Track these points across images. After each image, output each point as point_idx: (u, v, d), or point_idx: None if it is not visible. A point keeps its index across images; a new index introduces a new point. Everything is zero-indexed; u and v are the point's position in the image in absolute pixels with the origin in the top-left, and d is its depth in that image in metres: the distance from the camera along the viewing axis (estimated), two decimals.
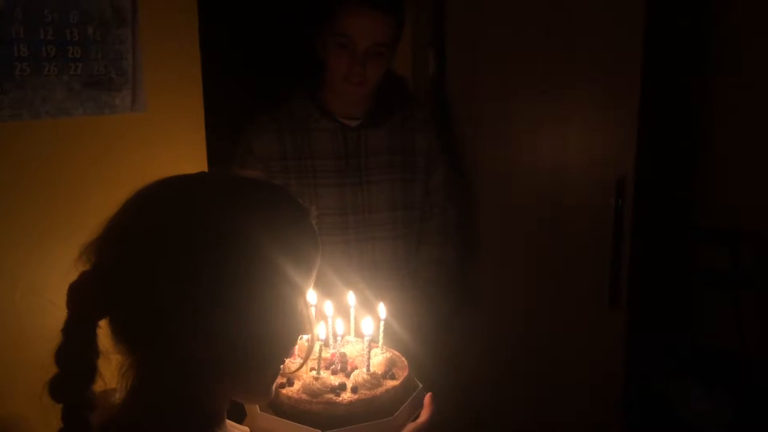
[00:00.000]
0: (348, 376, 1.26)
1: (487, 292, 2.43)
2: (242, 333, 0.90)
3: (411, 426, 1.20)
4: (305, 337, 1.27)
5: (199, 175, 0.97)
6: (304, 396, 1.19)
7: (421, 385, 1.30)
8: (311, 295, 1.33)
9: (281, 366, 1.01)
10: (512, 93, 2.24)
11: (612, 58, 1.98)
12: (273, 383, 1.02)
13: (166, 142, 1.60)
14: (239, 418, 1.20)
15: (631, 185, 2.00)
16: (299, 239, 0.96)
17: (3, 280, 1.39)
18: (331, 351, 1.32)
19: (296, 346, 1.29)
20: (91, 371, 0.88)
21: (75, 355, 0.87)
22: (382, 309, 1.33)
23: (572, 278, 2.19)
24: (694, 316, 2.56)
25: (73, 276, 0.89)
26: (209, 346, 0.90)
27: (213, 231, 0.88)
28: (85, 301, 0.87)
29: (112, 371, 0.94)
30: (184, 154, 1.62)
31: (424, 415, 1.22)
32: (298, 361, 1.28)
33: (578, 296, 2.18)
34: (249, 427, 1.18)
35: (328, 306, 1.35)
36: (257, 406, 1.21)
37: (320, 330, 1.30)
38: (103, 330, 0.91)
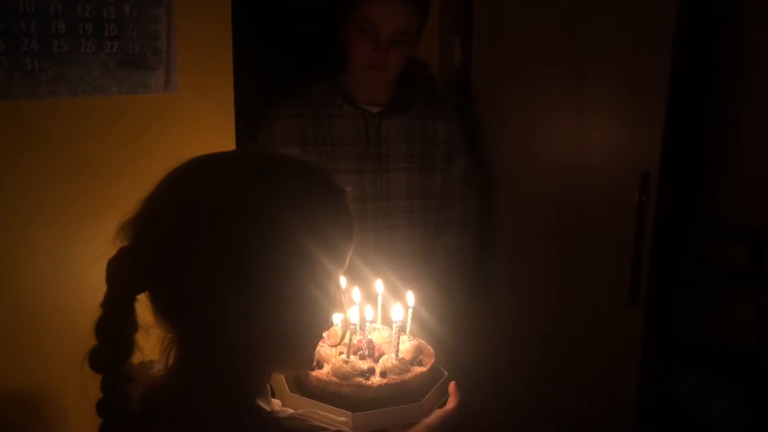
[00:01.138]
0: (376, 361, 1.28)
1: (505, 285, 2.43)
2: (278, 314, 0.91)
3: (439, 412, 1.22)
4: (338, 322, 1.29)
5: (236, 153, 0.98)
6: (334, 379, 1.21)
7: (446, 374, 1.31)
8: (342, 280, 1.35)
9: (319, 341, 1.03)
10: (537, 83, 2.23)
11: (640, 49, 1.97)
12: (313, 354, 1.03)
13: (196, 123, 1.60)
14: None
15: (656, 181, 1.99)
16: (336, 221, 0.96)
17: (38, 256, 1.40)
18: (359, 337, 1.34)
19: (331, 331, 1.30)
20: (129, 344, 0.90)
21: (114, 328, 0.89)
22: (410, 297, 1.34)
23: (591, 274, 2.19)
24: (710, 314, 2.55)
25: (108, 253, 0.90)
26: (246, 326, 0.91)
27: (249, 210, 0.89)
28: (124, 276, 0.89)
29: (152, 345, 0.96)
30: (214, 135, 1.63)
31: (451, 402, 1.24)
32: (326, 346, 1.30)
33: (597, 292, 2.18)
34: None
35: (356, 293, 1.36)
36: (286, 387, 1.23)
37: (351, 314, 1.31)
38: (145, 304, 0.93)
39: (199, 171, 0.94)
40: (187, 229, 0.89)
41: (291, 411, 1.03)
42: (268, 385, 1.03)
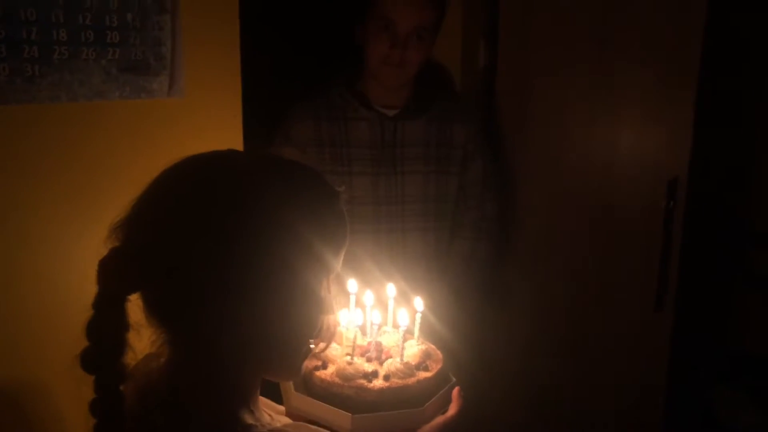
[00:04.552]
0: (382, 364, 1.25)
1: (523, 291, 2.37)
2: (267, 317, 0.90)
3: (440, 419, 1.19)
4: (342, 325, 1.27)
5: (228, 153, 0.96)
6: (336, 379, 1.19)
7: (454, 380, 1.28)
8: (352, 284, 1.32)
9: (310, 347, 1.01)
10: (563, 86, 2.19)
11: (669, 51, 1.91)
12: (301, 363, 1.02)
13: (203, 128, 1.59)
14: (277, 398, 1.21)
15: (684, 186, 1.93)
16: (329, 222, 0.95)
17: (42, 256, 1.41)
18: (368, 339, 1.32)
19: (335, 335, 1.28)
20: (121, 344, 0.89)
21: (105, 328, 0.88)
22: (418, 302, 1.31)
23: (617, 280, 2.13)
24: (744, 323, 2.46)
25: (101, 254, 0.89)
26: (234, 329, 0.90)
27: (239, 211, 0.88)
28: (115, 276, 0.88)
29: (144, 344, 0.95)
30: (222, 140, 1.62)
31: (452, 409, 1.21)
32: (335, 346, 1.28)
33: (623, 298, 2.11)
34: (285, 406, 1.18)
35: (368, 295, 1.33)
36: (292, 387, 1.22)
37: (343, 316, 1.30)
38: (136, 303, 0.92)
39: (189, 172, 0.93)
40: (177, 230, 0.88)
41: (280, 424, 1.01)
42: (257, 392, 1.02)
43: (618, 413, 2.15)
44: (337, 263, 0.97)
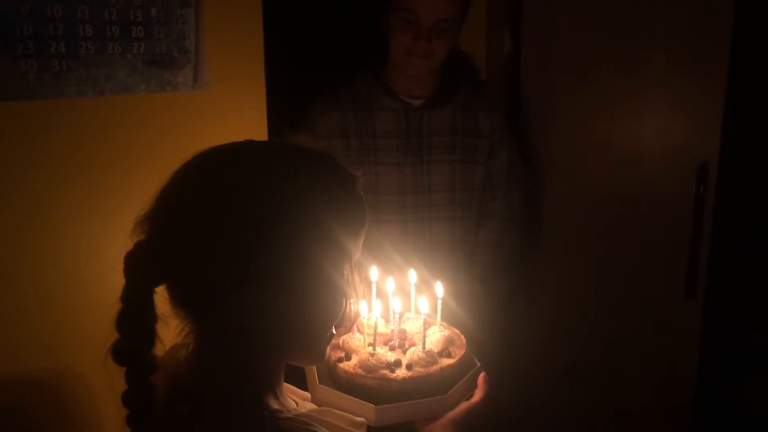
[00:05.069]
0: (405, 352, 1.25)
1: (549, 280, 2.36)
2: (291, 305, 0.92)
3: (464, 405, 1.18)
4: (363, 315, 1.27)
5: (247, 144, 0.97)
6: (359, 371, 1.19)
7: (479, 365, 1.27)
8: (373, 272, 1.32)
9: (332, 332, 1.02)
10: (589, 73, 2.16)
11: (697, 31, 1.87)
12: (325, 348, 1.03)
13: (228, 120, 1.61)
14: (303, 388, 1.22)
15: (715, 171, 1.89)
16: (347, 207, 0.95)
17: (70, 248, 1.44)
18: (391, 327, 1.31)
19: (356, 322, 1.29)
20: (150, 335, 0.91)
21: (134, 320, 0.90)
22: (439, 288, 1.31)
23: (646, 267, 2.10)
24: None
25: (127, 248, 0.91)
26: (259, 317, 0.91)
27: (262, 198, 0.88)
28: (141, 269, 0.90)
29: (171, 335, 0.97)
30: (247, 132, 1.61)
31: (478, 395, 1.20)
32: (358, 336, 1.29)
33: (652, 286, 2.09)
34: (311, 398, 1.19)
35: (390, 283, 1.33)
36: (317, 379, 1.23)
37: (364, 306, 1.29)
38: (163, 294, 0.94)
39: (208, 164, 0.94)
40: (201, 221, 0.89)
41: (305, 410, 1.02)
42: (281, 378, 1.04)
43: (647, 401, 2.13)
44: (357, 248, 0.98)
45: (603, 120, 2.15)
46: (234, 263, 0.88)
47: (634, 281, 2.13)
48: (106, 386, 0.91)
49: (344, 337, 1.28)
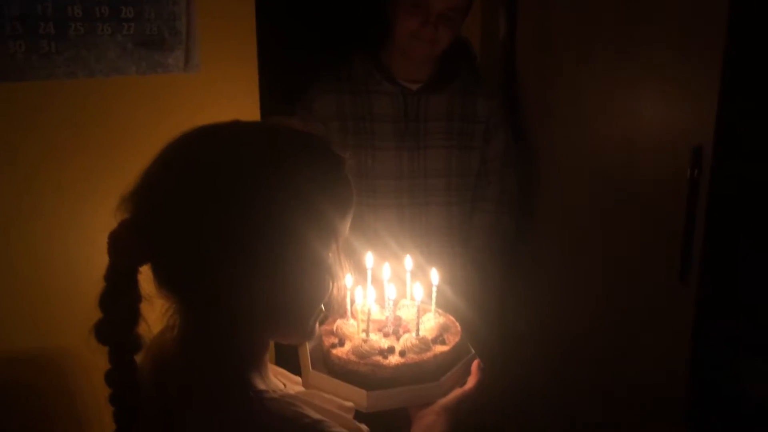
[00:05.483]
0: (399, 339, 1.24)
1: (544, 265, 2.35)
2: (275, 282, 0.91)
3: (457, 392, 1.18)
4: (358, 301, 1.26)
5: (233, 123, 0.96)
6: (352, 357, 1.18)
7: (473, 352, 1.26)
8: (369, 258, 1.32)
9: (321, 309, 1.02)
10: (585, 56, 2.13)
11: (693, 14, 1.84)
12: (313, 326, 1.03)
13: (220, 102, 1.59)
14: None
15: (709, 154, 1.88)
16: (334, 187, 0.96)
17: (58, 229, 1.43)
18: (386, 314, 1.31)
19: (350, 308, 1.28)
20: (133, 315, 0.91)
21: (118, 299, 0.90)
22: (434, 274, 1.30)
23: (641, 250, 2.09)
24: None
25: (111, 227, 0.90)
26: (244, 296, 0.90)
27: (246, 179, 0.88)
28: (125, 249, 0.89)
29: (156, 315, 0.97)
30: (239, 114, 1.57)
31: (471, 382, 1.20)
32: (352, 322, 1.28)
33: (647, 269, 2.08)
34: (303, 384, 1.19)
35: (386, 269, 1.33)
36: (310, 364, 1.22)
37: (359, 292, 1.29)
38: (148, 275, 0.93)
39: (193, 143, 0.93)
40: (186, 200, 0.89)
41: (294, 391, 1.02)
42: (266, 357, 1.03)
43: (642, 386, 2.13)
44: (344, 228, 0.98)
45: (598, 103, 2.13)
46: (219, 242, 0.87)
47: (628, 265, 2.13)
48: (92, 366, 0.91)
49: (338, 323, 1.27)
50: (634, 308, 2.12)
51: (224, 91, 1.60)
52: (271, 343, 1.52)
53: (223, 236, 0.87)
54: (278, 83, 1.86)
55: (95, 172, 1.43)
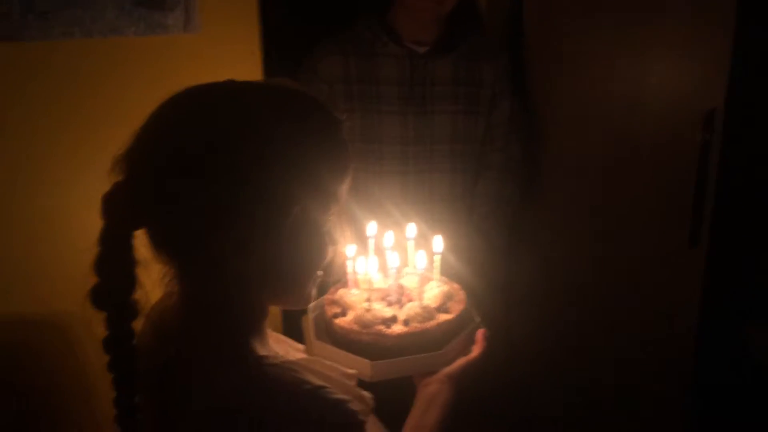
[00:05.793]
0: (402, 307, 1.22)
1: (551, 231, 2.33)
2: (273, 246, 0.90)
3: (461, 360, 1.17)
4: (360, 270, 1.25)
5: (229, 83, 0.94)
6: (355, 326, 1.17)
7: (478, 320, 1.25)
8: (371, 226, 1.30)
9: (317, 275, 1.01)
10: (592, 17, 2.09)
11: None
12: (310, 292, 1.02)
13: (221, 63, 1.55)
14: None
15: (721, 118, 1.84)
16: (333, 150, 0.94)
17: (56, 196, 1.42)
18: (389, 282, 1.29)
19: (353, 277, 1.26)
20: (130, 279, 0.89)
21: (113, 264, 0.89)
22: (438, 242, 1.28)
23: (649, 216, 2.07)
24: None
25: (105, 188, 0.89)
26: (241, 259, 0.89)
27: (246, 138, 0.86)
28: (119, 211, 0.88)
29: (153, 280, 0.95)
30: (241, 76, 1.56)
31: (475, 350, 1.19)
32: (355, 291, 1.27)
33: (656, 234, 2.06)
34: (306, 353, 1.18)
35: (389, 237, 1.31)
36: (313, 334, 1.22)
37: (361, 261, 1.27)
38: (142, 240, 0.92)
39: (191, 102, 0.92)
40: (181, 160, 0.87)
41: (296, 357, 1.01)
42: (265, 323, 1.03)
43: (648, 352, 2.12)
44: (341, 192, 0.97)
45: (606, 66, 2.09)
46: (217, 204, 0.86)
47: (637, 230, 2.11)
48: (86, 333, 0.90)
49: (341, 292, 1.26)
50: (642, 273, 2.11)
51: (226, 53, 1.56)
52: (279, 314, 1.52)
53: (220, 199, 0.86)
54: (282, 45, 1.82)
55: (95, 134, 1.40)
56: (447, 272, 1.34)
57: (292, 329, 1.29)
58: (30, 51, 1.35)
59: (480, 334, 1.21)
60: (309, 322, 1.24)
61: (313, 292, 1.03)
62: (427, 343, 1.15)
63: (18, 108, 1.35)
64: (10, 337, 1.43)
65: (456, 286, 1.32)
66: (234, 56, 1.58)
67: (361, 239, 1.28)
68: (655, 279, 2.08)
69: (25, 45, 1.33)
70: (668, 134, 1.97)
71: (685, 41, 1.89)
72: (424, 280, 1.30)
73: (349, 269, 1.25)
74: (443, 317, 1.20)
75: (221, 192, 0.86)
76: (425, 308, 1.19)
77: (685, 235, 1.94)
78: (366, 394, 1.06)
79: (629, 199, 2.11)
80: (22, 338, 1.44)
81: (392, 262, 1.27)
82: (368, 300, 1.23)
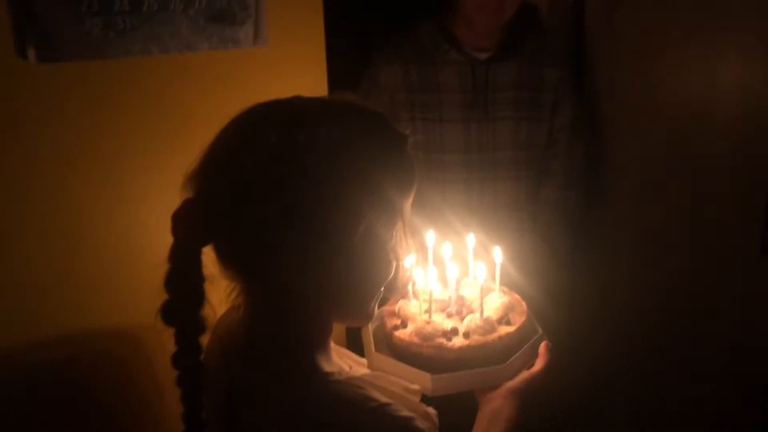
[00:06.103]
0: (463, 319, 1.23)
1: (615, 240, 2.28)
2: (342, 264, 0.92)
3: (525, 374, 1.16)
4: (419, 281, 1.26)
5: (296, 99, 0.96)
6: (415, 339, 1.17)
7: (540, 332, 1.25)
8: (430, 236, 1.31)
9: (380, 292, 1.03)
10: (659, 20, 2.04)
11: None
12: (373, 308, 1.04)
13: (288, 75, 1.58)
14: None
15: None
16: (398, 166, 0.95)
17: (142, 207, 1.45)
18: (449, 294, 1.29)
19: (411, 288, 1.27)
20: (198, 295, 0.92)
21: (182, 280, 0.91)
22: (497, 253, 1.28)
23: (720, 225, 2.02)
24: None
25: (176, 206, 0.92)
26: (307, 275, 0.91)
27: (313, 156, 0.88)
28: (189, 228, 0.91)
29: (220, 296, 0.98)
30: (307, 87, 1.59)
31: (539, 364, 1.18)
32: (413, 302, 1.27)
33: (727, 243, 2.00)
34: (367, 366, 1.20)
35: (447, 248, 1.31)
36: (373, 347, 1.22)
37: (420, 272, 1.27)
38: (209, 256, 0.94)
39: (260, 118, 0.94)
40: (251, 177, 0.89)
41: (359, 373, 1.03)
42: (330, 339, 1.04)
43: (724, 363, 2.06)
44: (406, 208, 0.98)
45: (675, 70, 2.03)
46: (284, 221, 0.88)
47: (708, 240, 2.05)
48: (159, 349, 0.93)
49: (400, 303, 1.27)
50: (713, 283, 2.04)
51: (292, 64, 1.59)
52: (342, 327, 1.54)
53: (288, 216, 0.88)
54: (344, 54, 1.84)
55: (174, 148, 1.44)
56: (508, 282, 1.35)
57: (356, 342, 1.31)
58: (110, 68, 1.39)
59: (543, 346, 1.20)
60: (368, 335, 1.25)
61: (375, 309, 1.04)
62: (488, 356, 1.15)
63: (100, 126, 1.40)
64: (90, 348, 1.47)
65: (517, 296, 1.31)
66: (300, 67, 1.60)
67: (421, 249, 1.29)
68: (728, 288, 2.02)
69: (105, 62, 1.38)
70: (739, 140, 1.92)
71: (761, 42, 1.84)
72: (485, 290, 1.29)
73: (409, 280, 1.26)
74: (505, 330, 1.20)
75: (290, 209, 0.88)
76: (486, 320, 1.19)
77: (758, 242, 1.89)
78: (431, 410, 1.06)
79: (700, 206, 2.06)
80: (103, 348, 1.48)
81: (452, 273, 1.27)
82: (428, 311, 1.23)
